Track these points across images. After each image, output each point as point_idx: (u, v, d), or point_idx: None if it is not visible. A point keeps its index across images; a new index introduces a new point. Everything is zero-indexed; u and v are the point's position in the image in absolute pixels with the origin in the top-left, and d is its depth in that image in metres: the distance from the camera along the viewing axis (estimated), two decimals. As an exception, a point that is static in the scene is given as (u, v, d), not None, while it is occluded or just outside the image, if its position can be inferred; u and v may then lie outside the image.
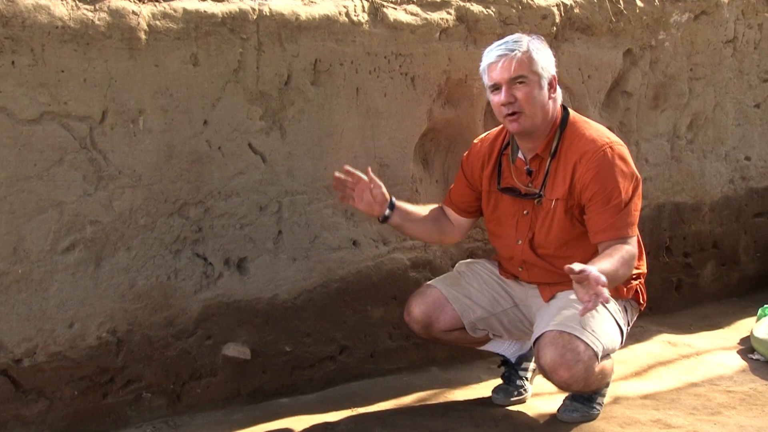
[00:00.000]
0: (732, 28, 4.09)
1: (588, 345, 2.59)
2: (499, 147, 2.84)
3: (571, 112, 2.78)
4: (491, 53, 2.66)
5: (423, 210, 2.93)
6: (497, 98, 2.65)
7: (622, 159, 2.66)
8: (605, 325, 2.70)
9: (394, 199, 2.82)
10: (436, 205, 2.99)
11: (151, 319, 2.66)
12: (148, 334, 2.66)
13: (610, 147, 2.65)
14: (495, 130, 2.92)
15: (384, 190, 2.79)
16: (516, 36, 2.69)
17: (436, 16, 3.09)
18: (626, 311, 2.84)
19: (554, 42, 3.42)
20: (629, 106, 3.78)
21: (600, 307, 2.69)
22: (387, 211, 2.80)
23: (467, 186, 2.91)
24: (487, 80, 2.69)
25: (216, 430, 2.68)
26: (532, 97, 2.62)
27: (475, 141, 2.95)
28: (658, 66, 3.83)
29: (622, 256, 2.56)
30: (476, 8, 3.18)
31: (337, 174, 2.79)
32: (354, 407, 2.88)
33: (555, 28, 3.38)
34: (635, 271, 2.83)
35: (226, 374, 2.83)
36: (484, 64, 2.68)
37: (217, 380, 2.82)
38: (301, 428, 2.70)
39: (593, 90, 3.61)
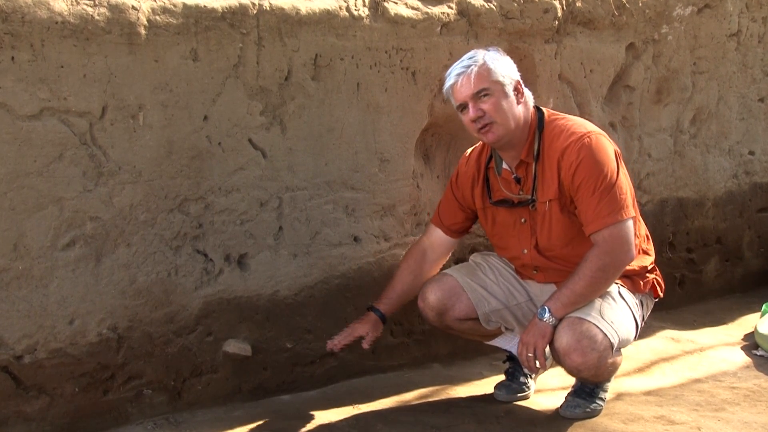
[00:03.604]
0: (736, 22, 4.07)
1: (606, 335, 2.60)
2: (484, 163, 2.85)
3: (546, 110, 2.78)
4: (450, 75, 2.68)
5: (404, 277, 2.91)
6: (467, 117, 2.66)
7: (602, 146, 2.64)
8: (623, 318, 2.70)
9: (380, 310, 2.86)
10: (411, 256, 2.94)
11: (151, 316, 2.66)
12: (149, 330, 2.66)
13: (588, 136, 2.65)
14: (477, 146, 2.92)
15: (369, 328, 2.83)
16: (471, 53, 2.71)
17: (437, 10, 3.07)
18: (642, 305, 2.84)
19: (556, 36, 3.41)
20: (632, 100, 3.76)
21: (619, 300, 2.72)
22: (383, 324, 2.88)
23: (458, 207, 2.91)
24: (454, 102, 2.71)
25: (217, 427, 2.67)
26: (500, 106, 2.63)
27: (460, 161, 2.95)
28: (660, 60, 3.81)
29: (593, 272, 2.58)
30: (477, 2, 3.16)
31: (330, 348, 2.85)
32: (355, 404, 2.88)
33: (557, 22, 3.37)
34: (648, 258, 2.83)
35: (227, 371, 2.83)
36: (446, 88, 2.70)
37: (217, 377, 2.81)
38: (303, 425, 2.70)
39: (595, 84, 3.60)
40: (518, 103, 2.68)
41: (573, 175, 2.62)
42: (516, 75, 2.70)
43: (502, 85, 2.64)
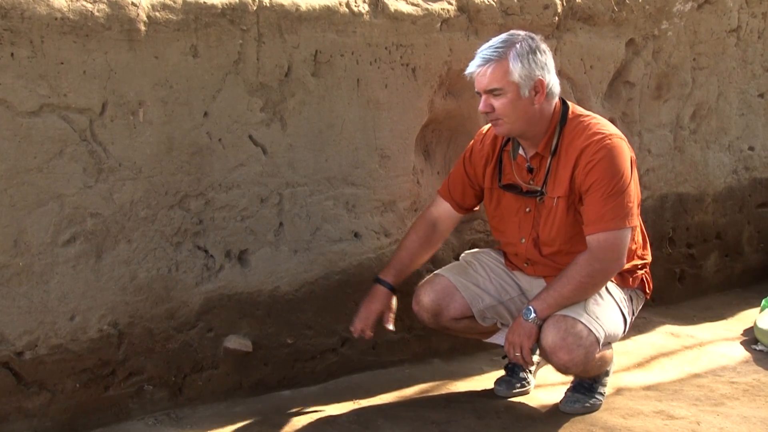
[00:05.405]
0: (735, 17, 4.06)
1: (591, 331, 2.61)
2: (500, 144, 2.84)
3: (571, 105, 2.75)
4: (475, 60, 2.64)
5: (413, 248, 2.89)
6: (479, 105, 2.66)
7: (621, 151, 2.63)
8: (609, 313, 2.70)
9: (388, 282, 2.84)
10: (420, 226, 2.93)
11: (152, 312, 2.66)
12: (150, 326, 2.66)
13: (610, 139, 2.64)
14: None
15: (384, 306, 2.83)
16: (503, 37, 2.64)
17: (437, 6, 3.07)
18: (631, 301, 2.84)
19: (556, 32, 3.41)
20: (632, 96, 3.76)
21: (605, 295, 2.72)
22: (393, 295, 2.87)
23: (468, 184, 2.90)
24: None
25: (218, 423, 2.68)
26: (509, 106, 2.60)
27: (476, 137, 2.93)
28: (660, 56, 3.81)
29: (582, 276, 2.58)
30: (478, -2, 3.16)
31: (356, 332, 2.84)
32: (356, 399, 2.88)
33: (557, 18, 3.37)
34: (640, 261, 2.83)
35: (228, 367, 2.83)
36: (468, 71, 2.66)
37: (218, 373, 2.82)
38: (304, 421, 2.70)
39: (595, 80, 3.60)
40: (534, 103, 2.62)
41: (587, 174, 2.61)
42: (539, 72, 2.60)
43: (517, 86, 2.58)
